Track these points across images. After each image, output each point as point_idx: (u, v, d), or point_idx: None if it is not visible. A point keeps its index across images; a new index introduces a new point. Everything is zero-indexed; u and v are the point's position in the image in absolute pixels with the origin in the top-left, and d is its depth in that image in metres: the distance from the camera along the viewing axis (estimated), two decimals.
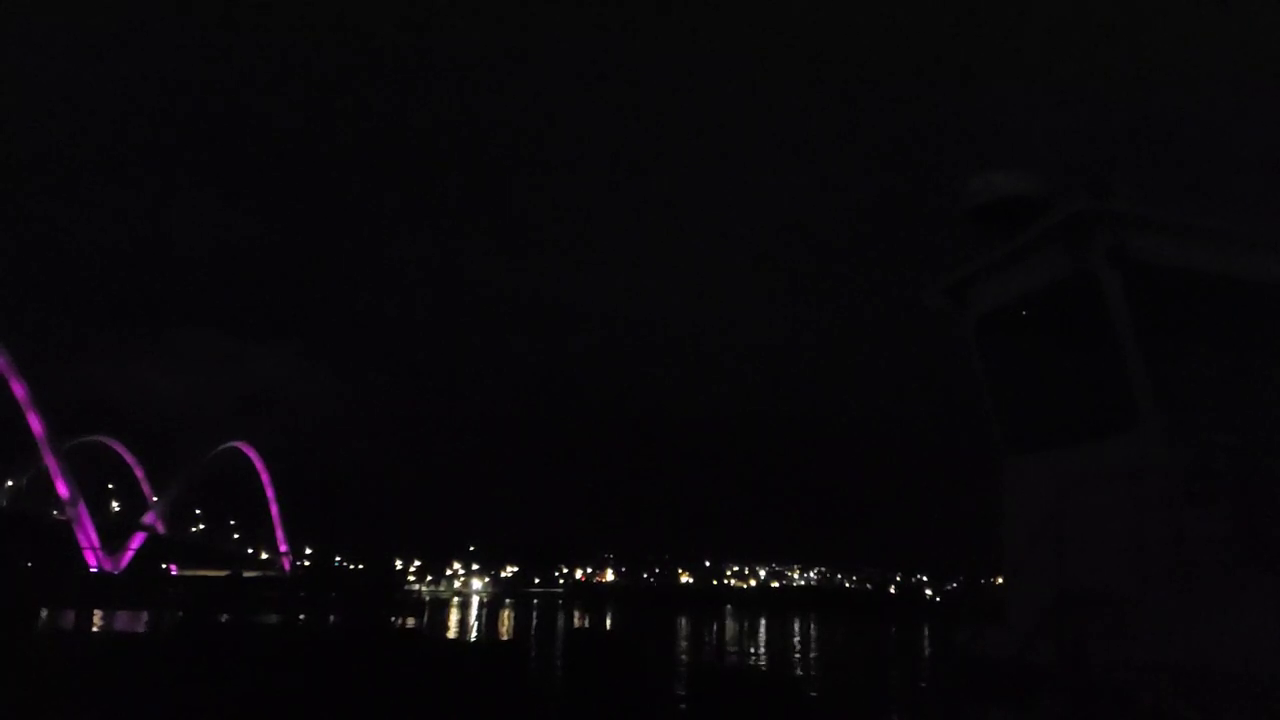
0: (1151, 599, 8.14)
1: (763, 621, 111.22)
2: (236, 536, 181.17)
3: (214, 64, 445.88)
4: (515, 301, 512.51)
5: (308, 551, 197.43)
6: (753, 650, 61.13)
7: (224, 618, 34.71)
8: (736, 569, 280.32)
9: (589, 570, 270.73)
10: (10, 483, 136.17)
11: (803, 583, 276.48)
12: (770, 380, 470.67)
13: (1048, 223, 9.66)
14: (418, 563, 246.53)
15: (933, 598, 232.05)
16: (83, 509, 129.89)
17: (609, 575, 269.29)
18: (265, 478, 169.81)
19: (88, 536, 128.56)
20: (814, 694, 34.28)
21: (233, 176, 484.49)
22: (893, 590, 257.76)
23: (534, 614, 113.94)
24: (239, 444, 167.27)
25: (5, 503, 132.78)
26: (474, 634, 71.14)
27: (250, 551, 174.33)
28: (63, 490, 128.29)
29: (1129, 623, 8.13)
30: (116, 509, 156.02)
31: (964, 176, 10.81)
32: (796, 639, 77.42)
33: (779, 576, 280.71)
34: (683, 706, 7.94)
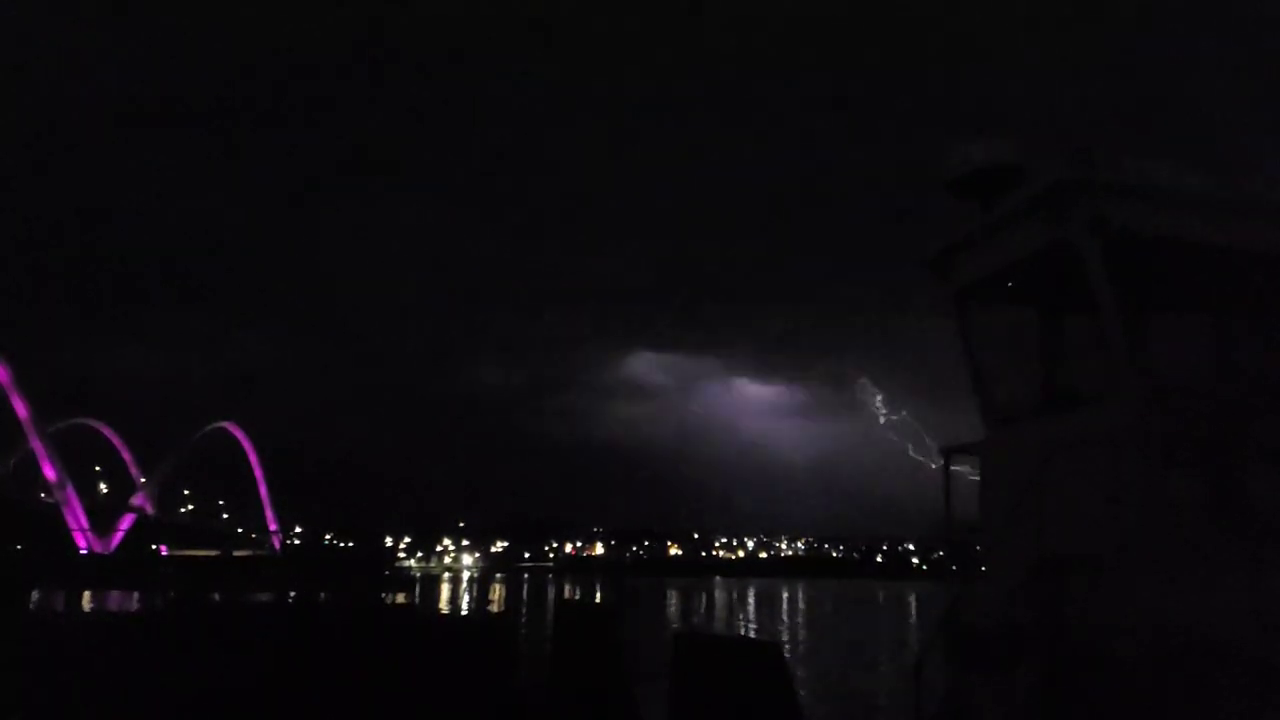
0: (1130, 563, 8.28)
1: (751, 591, 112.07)
2: (226, 516, 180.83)
3: (196, 41, 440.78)
4: (498, 274, 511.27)
5: (297, 530, 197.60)
6: (740, 618, 61.66)
7: (216, 597, 34.79)
8: (725, 540, 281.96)
9: (579, 544, 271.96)
10: None
11: (790, 553, 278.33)
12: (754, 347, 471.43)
13: (1028, 193, 9.69)
14: (408, 539, 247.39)
15: (919, 565, 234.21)
16: (71, 491, 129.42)
17: (599, 549, 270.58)
18: (253, 457, 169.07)
19: (76, 519, 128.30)
20: (798, 659, 34.71)
21: (219, 152, 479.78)
22: (879, 559, 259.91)
23: (524, 588, 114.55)
24: (226, 424, 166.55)
25: None
26: (465, 608, 71.47)
27: (240, 531, 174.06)
28: (50, 473, 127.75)
29: (1107, 587, 8.28)
30: (105, 491, 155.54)
31: (947, 146, 10.83)
32: (783, 607, 78.07)
33: (767, 547, 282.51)
34: (667, 670, 8.07)
